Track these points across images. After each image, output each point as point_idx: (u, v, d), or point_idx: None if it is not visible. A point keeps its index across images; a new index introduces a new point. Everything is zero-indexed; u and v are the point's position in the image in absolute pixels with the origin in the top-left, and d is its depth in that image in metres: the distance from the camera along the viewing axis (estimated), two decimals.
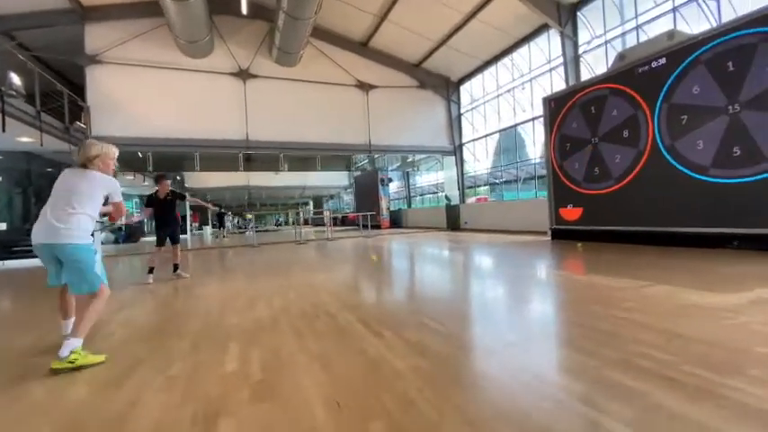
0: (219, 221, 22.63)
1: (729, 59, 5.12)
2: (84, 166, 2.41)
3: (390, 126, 14.01)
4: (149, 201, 5.47)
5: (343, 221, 25.77)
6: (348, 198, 31.16)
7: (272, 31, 11.59)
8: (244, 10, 11.06)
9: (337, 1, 11.37)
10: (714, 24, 7.26)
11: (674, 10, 7.84)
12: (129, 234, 18.66)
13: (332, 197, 37.02)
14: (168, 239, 5.49)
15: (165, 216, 5.47)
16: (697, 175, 5.65)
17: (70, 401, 1.78)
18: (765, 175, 4.90)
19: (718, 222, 5.40)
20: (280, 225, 42.05)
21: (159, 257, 5.49)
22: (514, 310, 3.09)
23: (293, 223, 41.42)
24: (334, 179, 27.44)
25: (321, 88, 13.17)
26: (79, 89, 10.57)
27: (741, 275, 3.60)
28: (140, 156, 14.04)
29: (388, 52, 13.92)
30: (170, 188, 5.55)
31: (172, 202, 5.52)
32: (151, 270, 5.25)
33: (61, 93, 9.13)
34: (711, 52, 5.38)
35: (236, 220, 36.69)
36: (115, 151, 2.57)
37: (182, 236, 5.65)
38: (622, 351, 1.94)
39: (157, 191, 5.46)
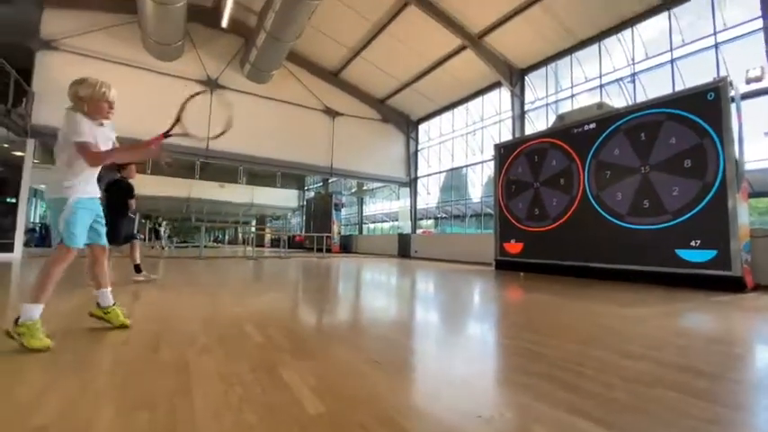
0: (155, 233, 21.28)
1: (642, 131, 6.46)
2: (74, 108, 2.15)
3: (353, 152, 14.61)
4: (131, 189, 4.91)
5: (289, 243, 25.33)
6: (296, 220, 30.70)
7: (248, 46, 11.82)
8: (224, 23, 11.23)
9: (317, 31, 12.03)
10: (629, 100, 9.00)
11: (601, 86, 9.59)
12: (43, 236, 16.64)
13: (278, 218, 36.16)
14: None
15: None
16: (616, 221, 6.83)
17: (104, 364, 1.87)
18: (665, 225, 6.14)
19: (631, 261, 6.53)
20: (219, 242, 39.88)
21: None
22: (493, 313, 3.60)
23: (230, 242, 39.63)
24: (284, 199, 27.08)
25: (289, 108, 13.47)
26: (21, 73, 9.73)
27: (646, 299, 4.50)
28: None
29: (356, 85, 14.76)
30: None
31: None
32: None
33: (7, 73, 8.41)
34: (629, 123, 6.72)
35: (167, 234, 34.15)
36: (108, 92, 2.22)
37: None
38: (589, 335, 2.51)
39: (124, 176, 4.87)
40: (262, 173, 16.87)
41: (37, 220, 19.43)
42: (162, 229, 20.89)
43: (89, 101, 2.15)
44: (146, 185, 20.97)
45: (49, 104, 9.62)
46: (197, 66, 11.97)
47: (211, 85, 12.16)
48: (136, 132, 10.79)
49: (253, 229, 25.12)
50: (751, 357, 2.27)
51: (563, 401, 1.44)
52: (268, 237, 30.85)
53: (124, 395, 1.44)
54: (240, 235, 38.86)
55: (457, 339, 2.49)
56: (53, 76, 9.78)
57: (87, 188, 2.24)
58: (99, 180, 3.70)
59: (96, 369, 1.74)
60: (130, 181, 5.00)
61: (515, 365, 1.92)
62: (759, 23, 6.80)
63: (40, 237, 16.26)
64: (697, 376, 1.75)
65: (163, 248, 17.52)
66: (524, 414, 1.34)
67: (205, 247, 24.41)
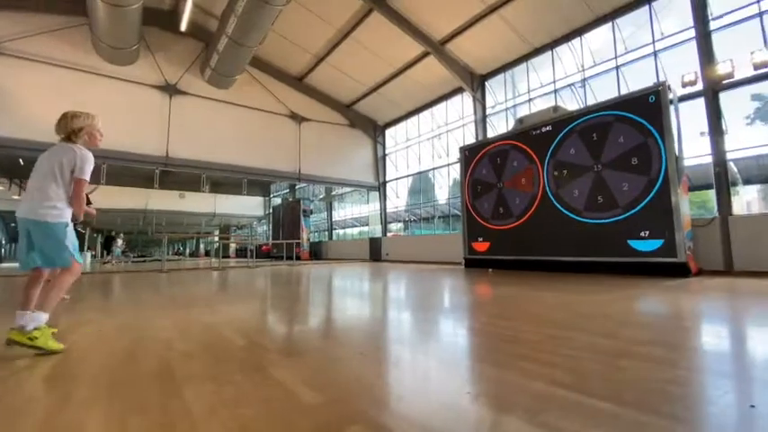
0: (107, 246, 19.98)
1: (594, 131, 6.94)
2: (69, 139, 2.26)
3: (321, 158, 14.53)
4: None
5: (255, 253, 24.64)
6: (262, 229, 29.94)
7: (209, 51, 11.49)
8: (183, 27, 10.84)
9: (281, 37, 11.90)
10: (581, 103, 9.62)
11: (555, 91, 10.19)
12: None
13: (242, 227, 35.10)
14: None
15: None
16: (575, 216, 7.27)
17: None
18: (617, 218, 6.61)
19: (589, 253, 6.97)
20: (180, 255, 38.09)
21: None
22: (467, 305, 3.73)
23: (191, 254, 38.02)
24: (249, 207, 26.34)
25: (253, 114, 13.21)
26: None
27: (606, 287, 4.85)
28: (22, 163, 12.10)
29: (322, 90, 14.71)
30: None
31: None
32: None
33: None
34: (582, 125, 7.20)
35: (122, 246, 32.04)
36: (99, 122, 2.39)
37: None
38: (558, 320, 2.69)
39: None
40: (225, 181, 16.37)
41: None
42: (119, 244, 19.56)
43: (87, 133, 2.30)
44: (101, 199, 19.71)
45: None
46: (154, 70, 11.47)
47: (170, 90, 11.69)
48: None
49: (216, 239, 24.32)
50: (700, 330, 2.52)
51: (541, 375, 1.56)
52: (233, 247, 29.83)
53: (111, 402, 1.40)
54: (202, 246, 37.33)
55: (436, 330, 2.59)
56: None
57: None
58: None
59: (74, 381, 1.67)
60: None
61: (494, 348, 2.04)
62: (692, 32, 7.52)
63: None
64: (656, 347, 1.94)
65: (114, 263, 16.38)
66: (508, 388, 1.44)
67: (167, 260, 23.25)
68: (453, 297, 4.37)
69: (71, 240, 2.23)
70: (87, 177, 2.24)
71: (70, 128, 2.25)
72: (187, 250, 42.77)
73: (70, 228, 2.25)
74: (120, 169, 12.11)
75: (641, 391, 1.36)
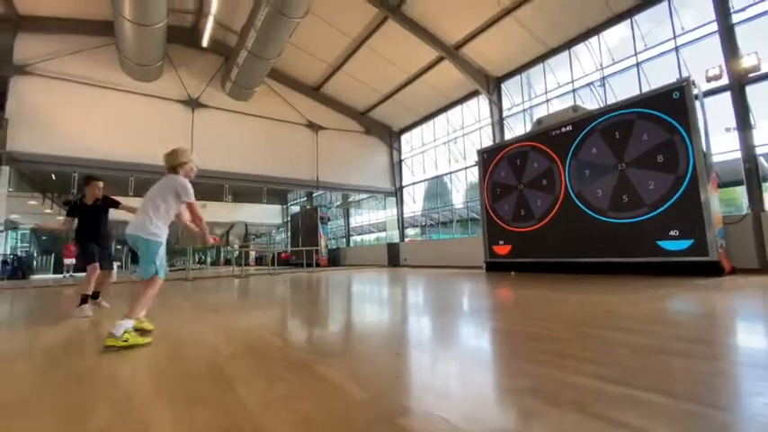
0: (134, 258, 20.61)
1: (616, 130, 6.84)
2: (174, 170, 2.65)
3: (337, 165, 14.75)
4: (73, 208, 4.17)
5: (275, 260, 25.00)
6: (280, 237, 30.38)
7: (229, 65, 11.87)
8: (204, 42, 11.26)
9: (298, 48, 12.20)
10: (600, 102, 9.49)
11: (574, 91, 10.10)
12: (16, 268, 15.90)
13: (261, 235, 35.67)
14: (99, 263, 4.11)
15: (96, 228, 4.18)
16: (599, 216, 7.15)
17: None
18: (644, 217, 6.48)
19: (615, 253, 6.83)
20: (202, 263, 38.94)
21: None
22: (495, 307, 3.74)
23: (213, 263, 38.84)
24: (268, 215, 26.78)
25: (272, 124, 13.54)
26: None
27: (633, 287, 4.75)
28: (54, 179, 12.67)
29: (338, 99, 14.97)
30: (101, 194, 4.24)
31: (102, 209, 4.24)
32: (86, 299, 3.82)
33: None
34: (603, 124, 7.11)
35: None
36: (196, 157, 2.83)
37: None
38: (588, 319, 2.67)
39: (84, 196, 4.24)
40: (245, 190, 16.76)
41: (8, 252, 18.59)
42: None
43: (186, 167, 2.67)
44: (118, 211, 20.36)
45: (24, 130, 9.39)
46: (177, 85, 11.92)
47: (192, 104, 12.11)
48: (115, 154, 10.71)
49: (236, 246, 24.78)
50: (737, 327, 2.47)
51: (582, 371, 1.57)
52: (252, 255, 30.36)
53: (171, 400, 1.48)
54: (222, 254, 38.04)
55: (467, 331, 2.61)
56: (28, 101, 9.57)
57: None
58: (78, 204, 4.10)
59: (132, 381, 1.77)
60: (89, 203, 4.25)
61: (529, 347, 2.05)
62: (714, 26, 7.37)
63: (13, 269, 15.52)
64: (694, 343, 1.93)
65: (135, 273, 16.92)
66: (550, 383, 1.46)
67: (181, 269, 23.76)
68: (480, 300, 4.37)
69: (160, 257, 2.57)
70: (193, 199, 2.65)
71: (177, 162, 2.65)
72: (208, 259, 43.64)
73: (163, 247, 2.61)
74: (146, 182, 12.54)
75: (686, 383, 1.37)
